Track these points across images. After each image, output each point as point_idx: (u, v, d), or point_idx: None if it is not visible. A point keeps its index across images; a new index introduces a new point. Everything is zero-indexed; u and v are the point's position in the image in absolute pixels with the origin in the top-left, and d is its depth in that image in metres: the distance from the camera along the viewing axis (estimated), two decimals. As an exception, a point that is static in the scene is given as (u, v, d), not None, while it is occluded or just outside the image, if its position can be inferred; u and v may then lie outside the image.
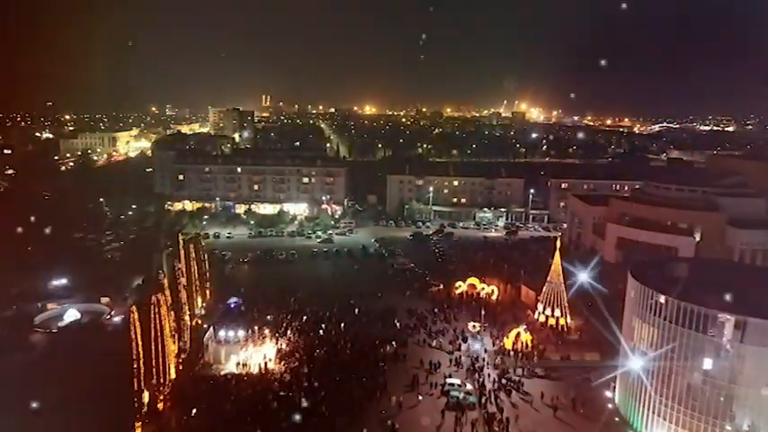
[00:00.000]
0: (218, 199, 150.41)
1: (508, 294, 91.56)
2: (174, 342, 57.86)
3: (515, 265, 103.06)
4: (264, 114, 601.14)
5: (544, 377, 64.53)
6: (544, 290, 79.86)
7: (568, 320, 78.58)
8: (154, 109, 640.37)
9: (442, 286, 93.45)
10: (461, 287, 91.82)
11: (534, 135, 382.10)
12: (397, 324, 77.04)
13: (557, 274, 78.70)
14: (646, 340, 52.35)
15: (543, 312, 79.32)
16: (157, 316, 52.75)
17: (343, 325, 74.36)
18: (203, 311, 76.81)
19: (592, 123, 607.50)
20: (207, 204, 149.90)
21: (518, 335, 72.11)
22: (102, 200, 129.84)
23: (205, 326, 73.02)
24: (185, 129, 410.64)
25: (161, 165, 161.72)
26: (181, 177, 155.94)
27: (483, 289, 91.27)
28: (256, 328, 72.09)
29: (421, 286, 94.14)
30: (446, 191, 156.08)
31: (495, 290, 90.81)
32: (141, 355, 50.77)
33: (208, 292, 78.00)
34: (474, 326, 72.87)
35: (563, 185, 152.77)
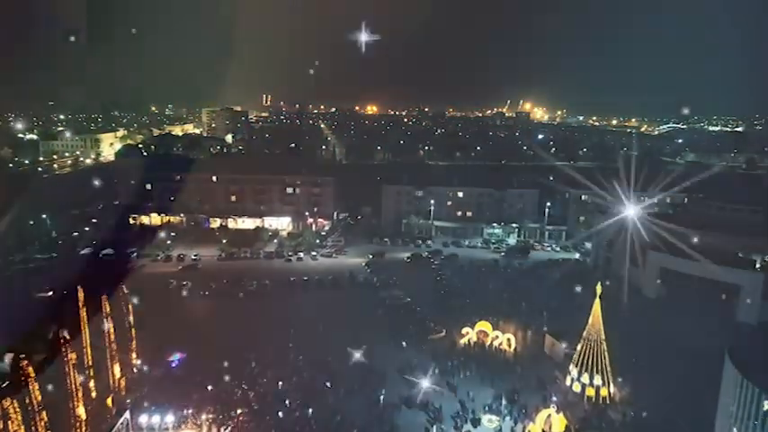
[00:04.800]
0: (181, 215, 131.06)
1: (528, 344, 72.77)
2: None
3: (535, 300, 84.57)
4: (264, 114, 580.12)
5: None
6: (579, 348, 60.95)
7: (611, 390, 59.79)
8: (154, 108, 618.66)
9: (444, 332, 74.88)
10: (470, 334, 73.21)
11: (540, 136, 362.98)
12: (381, 399, 57.77)
13: (596, 329, 59.87)
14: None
15: (578, 378, 60.40)
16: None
17: (311, 411, 54.88)
18: (124, 382, 57.53)
19: (597, 123, 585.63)
20: (175, 218, 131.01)
21: (548, 417, 53.44)
22: (44, 216, 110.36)
23: (128, 401, 54.65)
24: (177, 130, 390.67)
25: (125, 172, 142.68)
26: (148, 187, 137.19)
27: (497, 337, 72.56)
28: (192, 409, 53.36)
29: (419, 331, 75.38)
30: (449, 203, 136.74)
31: (512, 339, 72.00)
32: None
33: (134, 353, 59.18)
34: (490, 420, 53.61)
35: (583, 197, 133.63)
